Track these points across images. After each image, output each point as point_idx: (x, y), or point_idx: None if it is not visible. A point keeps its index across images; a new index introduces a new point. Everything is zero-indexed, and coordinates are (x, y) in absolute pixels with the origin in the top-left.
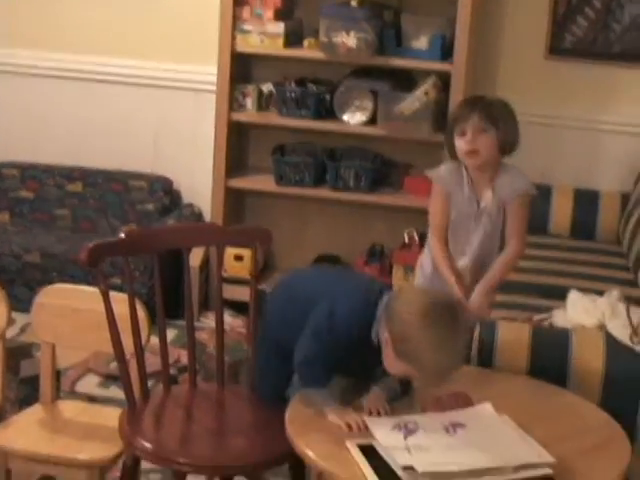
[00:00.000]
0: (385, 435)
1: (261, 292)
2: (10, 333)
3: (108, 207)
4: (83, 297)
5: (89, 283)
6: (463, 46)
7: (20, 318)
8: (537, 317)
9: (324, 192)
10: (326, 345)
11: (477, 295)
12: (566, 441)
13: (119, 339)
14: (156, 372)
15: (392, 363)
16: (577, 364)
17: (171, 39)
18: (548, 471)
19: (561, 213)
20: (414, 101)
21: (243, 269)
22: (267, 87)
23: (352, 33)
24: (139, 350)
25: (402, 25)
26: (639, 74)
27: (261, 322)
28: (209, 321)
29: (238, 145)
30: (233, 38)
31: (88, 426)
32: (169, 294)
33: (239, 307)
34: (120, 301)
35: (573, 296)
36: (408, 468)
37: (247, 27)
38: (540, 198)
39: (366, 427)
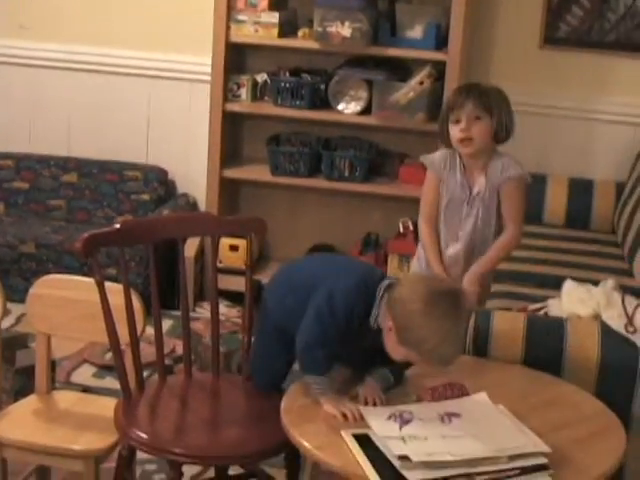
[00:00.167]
0: (380, 425)
1: (256, 282)
2: (5, 324)
3: (103, 197)
4: (78, 287)
5: (84, 273)
6: (458, 35)
7: (15, 308)
8: (532, 307)
9: (319, 182)
10: (327, 329)
11: (466, 283)
12: (561, 430)
13: (114, 329)
14: (152, 362)
15: (395, 349)
16: (572, 353)
17: (165, 29)
18: (543, 460)
19: (556, 202)
20: (409, 90)
21: (238, 259)
22: (261, 77)
23: (347, 23)
24: (134, 340)
25: (397, 14)
26: (634, 63)
27: (259, 312)
28: (205, 311)
29: (233, 135)
30: (227, 28)
31: (83, 416)
32: (164, 284)
33: (235, 297)
34: (115, 291)
35: (568, 286)
36: (403, 457)
37: (241, 17)
38: (535, 187)
39: (361, 417)
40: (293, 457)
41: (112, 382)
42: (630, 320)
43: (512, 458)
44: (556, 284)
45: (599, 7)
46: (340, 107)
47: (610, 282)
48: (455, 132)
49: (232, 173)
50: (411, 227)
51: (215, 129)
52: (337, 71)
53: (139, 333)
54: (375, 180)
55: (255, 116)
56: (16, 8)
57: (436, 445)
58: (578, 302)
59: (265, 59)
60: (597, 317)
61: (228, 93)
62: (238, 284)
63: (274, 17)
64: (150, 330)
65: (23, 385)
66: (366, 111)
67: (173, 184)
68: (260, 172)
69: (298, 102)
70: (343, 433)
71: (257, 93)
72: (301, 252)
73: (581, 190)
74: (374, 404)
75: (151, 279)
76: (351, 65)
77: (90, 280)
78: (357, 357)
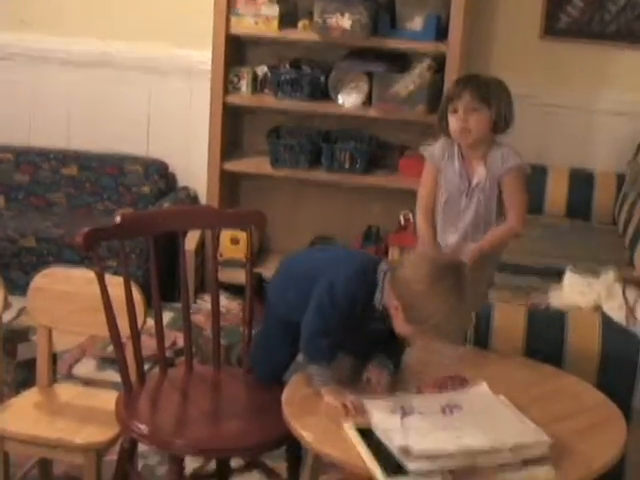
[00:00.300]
0: (382, 416)
1: (257, 275)
2: (6, 317)
3: (103, 191)
4: (79, 281)
5: (85, 267)
6: (458, 27)
7: (16, 302)
8: (533, 298)
9: (319, 174)
10: (329, 319)
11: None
12: (562, 421)
13: (115, 322)
14: (153, 355)
15: (403, 327)
16: (573, 345)
17: (166, 22)
18: (544, 451)
19: (556, 193)
20: (409, 82)
21: (239, 252)
22: (262, 69)
23: (346, 15)
24: (135, 333)
25: (396, 6)
26: (634, 54)
27: (263, 306)
28: (205, 304)
29: (233, 128)
30: (227, 20)
31: (85, 409)
32: (165, 277)
33: (236, 290)
34: (116, 284)
35: (569, 277)
36: (405, 449)
37: (241, 9)
38: (535, 179)
39: (362, 408)
40: (294, 449)
41: (113, 375)
42: (631, 311)
43: (513, 449)
44: (557, 275)
45: None
46: (340, 99)
47: (611, 273)
48: (453, 122)
49: (232, 166)
50: (412, 219)
51: (215, 122)
52: (337, 63)
53: (140, 325)
54: (375, 172)
55: (255, 109)
56: (17, 2)
57: (437, 436)
58: (579, 293)
59: (265, 51)
60: (598, 308)
61: (228, 86)
62: (239, 277)
63: (274, 9)
64: (151, 323)
65: (25, 378)
66: (366, 103)
67: (173, 177)
68: (260, 165)
69: (298, 94)
70: (345, 425)
71: (257, 86)
72: (302, 245)
73: (582, 181)
74: (378, 389)
75: (151, 272)
76: (351, 57)
77: (91, 273)
78: (361, 343)
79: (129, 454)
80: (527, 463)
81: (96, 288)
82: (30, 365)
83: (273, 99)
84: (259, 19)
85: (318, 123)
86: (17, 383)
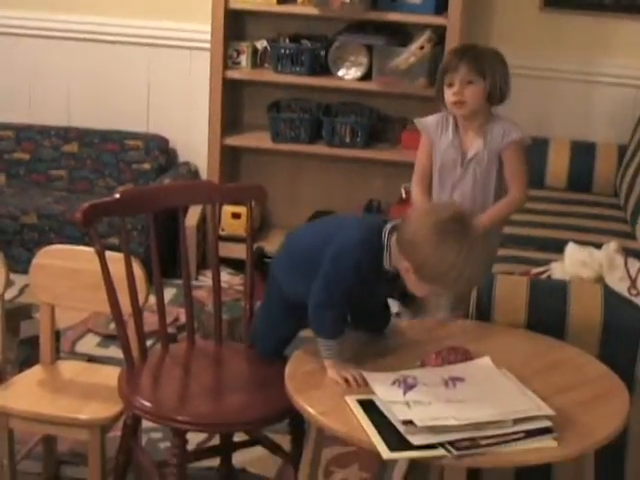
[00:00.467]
0: (384, 390)
1: (258, 249)
2: (9, 294)
3: (104, 167)
4: (81, 257)
5: (86, 243)
6: None
7: (19, 279)
8: (535, 270)
9: (320, 148)
10: (334, 291)
11: None
12: (565, 393)
13: (116, 299)
14: (155, 331)
15: (417, 287)
16: (575, 317)
17: None
18: (548, 423)
19: (558, 165)
20: (409, 56)
21: (240, 227)
22: (261, 44)
23: None
24: (137, 310)
25: None
26: (635, 25)
27: (267, 282)
28: (207, 279)
29: (233, 103)
30: None
31: (88, 386)
32: (167, 253)
33: (237, 265)
34: (118, 261)
35: (571, 249)
36: (408, 422)
37: None
38: (537, 151)
39: (365, 382)
40: (297, 423)
41: (116, 351)
42: (633, 282)
43: (516, 421)
44: (558, 247)
45: None
46: (340, 73)
47: (613, 245)
48: (449, 95)
49: (233, 141)
50: None
51: (215, 97)
52: (337, 37)
53: (142, 301)
54: (376, 146)
55: (255, 83)
56: None
57: (440, 409)
58: (581, 265)
59: (265, 26)
60: (600, 280)
61: (228, 60)
62: (240, 252)
63: None
64: (153, 299)
65: (28, 356)
66: (366, 77)
67: (174, 153)
68: (261, 139)
69: (298, 68)
70: (347, 399)
71: (257, 60)
72: (303, 219)
73: (583, 153)
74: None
75: (152, 248)
76: (351, 31)
77: (92, 250)
78: (374, 309)
79: (133, 430)
80: (530, 435)
81: (98, 265)
82: (33, 342)
83: (273, 73)
84: None
85: (318, 97)
86: (20, 361)
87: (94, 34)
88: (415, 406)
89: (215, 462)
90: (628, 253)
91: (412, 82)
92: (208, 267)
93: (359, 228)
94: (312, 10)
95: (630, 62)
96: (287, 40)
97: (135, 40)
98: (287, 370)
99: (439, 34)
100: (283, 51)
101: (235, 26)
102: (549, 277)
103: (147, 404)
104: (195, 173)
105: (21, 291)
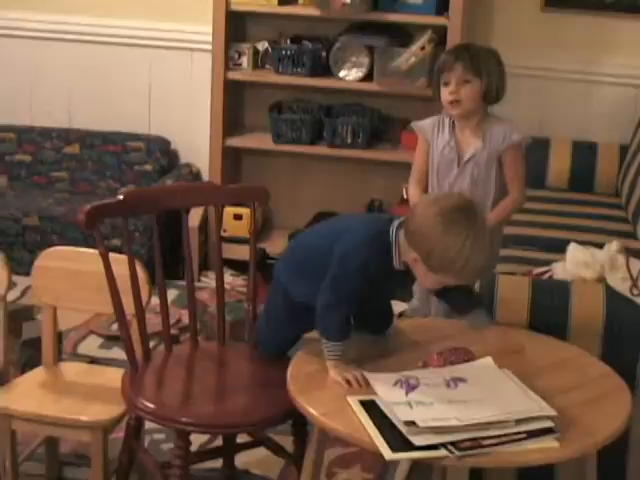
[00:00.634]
0: (386, 391)
1: (261, 250)
2: (11, 296)
3: (106, 169)
4: (83, 259)
5: (89, 245)
6: None
7: (21, 281)
8: (537, 270)
9: (321, 149)
10: (342, 292)
11: None
12: (567, 393)
13: (119, 300)
14: (158, 332)
15: (426, 279)
16: (577, 317)
17: None
18: (550, 423)
19: (559, 166)
20: (410, 56)
21: (242, 228)
22: (262, 45)
23: None
24: (140, 311)
25: None
26: (635, 25)
27: (271, 285)
28: (209, 281)
29: (234, 104)
30: None
31: (91, 387)
32: (169, 254)
33: (240, 266)
34: (120, 262)
35: (572, 249)
36: (410, 423)
37: None
38: (538, 151)
39: (366, 383)
40: (300, 424)
41: (119, 353)
42: (635, 283)
43: (518, 422)
44: (560, 248)
45: None
46: (341, 74)
47: (614, 245)
48: (445, 94)
49: (234, 142)
50: None
51: (217, 98)
52: (338, 38)
53: (145, 303)
54: (377, 146)
55: (256, 84)
56: None
57: (442, 410)
58: (582, 265)
59: (266, 27)
60: (602, 280)
61: (229, 62)
62: (243, 253)
63: None
64: (156, 300)
65: (30, 357)
66: (368, 77)
67: (176, 154)
68: (262, 140)
69: (299, 69)
70: (349, 399)
71: (258, 61)
72: (305, 220)
73: (584, 153)
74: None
75: (155, 249)
76: (352, 31)
77: (95, 251)
78: (383, 307)
79: (136, 431)
80: (532, 435)
81: (101, 266)
82: (35, 344)
83: (274, 75)
84: None
85: (319, 98)
86: (23, 362)
87: (95, 36)
88: (417, 407)
89: (218, 463)
90: (630, 253)
91: (413, 82)
92: (210, 268)
93: (366, 227)
94: (313, 11)
95: (631, 62)
96: (288, 41)
97: (136, 42)
98: (289, 371)
99: (440, 34)
100: (284, 52)
101: (236, 27)
102: (551, 277)
103: (150, 405)
104: (197, 174)
105: (23, 293)
